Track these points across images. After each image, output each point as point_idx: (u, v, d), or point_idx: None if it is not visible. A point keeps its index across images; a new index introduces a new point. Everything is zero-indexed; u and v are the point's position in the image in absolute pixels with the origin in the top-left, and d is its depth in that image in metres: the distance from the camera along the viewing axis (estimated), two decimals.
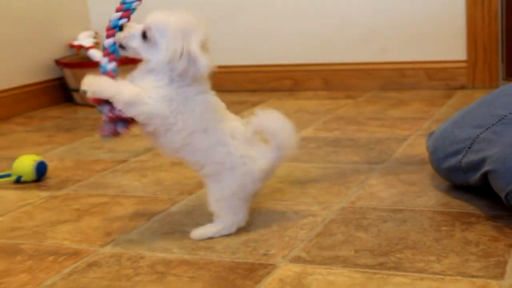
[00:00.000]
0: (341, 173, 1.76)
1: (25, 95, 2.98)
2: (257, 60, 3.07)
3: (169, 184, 1.77)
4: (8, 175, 1.90)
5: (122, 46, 1.38)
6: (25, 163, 1.87)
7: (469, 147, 1.48)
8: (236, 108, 2.71)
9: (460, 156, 1.49)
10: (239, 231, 1.40)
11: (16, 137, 2.52)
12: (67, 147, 2.28)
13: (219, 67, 3.10)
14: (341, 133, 2.19)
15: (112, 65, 1.42)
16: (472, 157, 1.46)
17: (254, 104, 2.75)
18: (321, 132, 2.23)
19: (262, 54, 3.06)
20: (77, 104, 3.09)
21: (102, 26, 3.29)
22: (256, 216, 1.48)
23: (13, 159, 1.93)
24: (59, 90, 3.14)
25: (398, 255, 1.23)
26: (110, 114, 1.38)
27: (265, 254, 1.28)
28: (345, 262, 1.22)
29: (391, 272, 1.17)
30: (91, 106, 2.98)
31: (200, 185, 1.73)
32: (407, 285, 1.12)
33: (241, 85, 3.09)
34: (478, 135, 1.47)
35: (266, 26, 3.05)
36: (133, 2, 1.42)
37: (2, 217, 1.62)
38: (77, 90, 3.04)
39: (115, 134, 1.40)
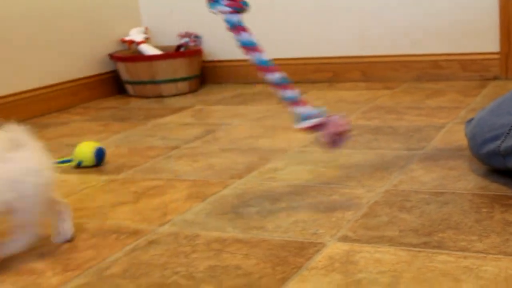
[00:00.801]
0: (383, 158, 1.75)
1: (82, 87, 3.01)
2: (298, 53, 3.07)
3: (219, 169, 1.78)
4: (70, 161, 1.92)
5: None
6: (86, 149, 1.89)
7: (507, 133, 1.46)
8: (277, 98, 2.71)
9: (498, 142, 1.48)
10: (288, 212, 1.40)
11: (74, 126, 2.54)
12: (122, 135, 2.30)
13: None
14: (380, 121, 2.18)
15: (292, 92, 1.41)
16: (510, 142, 1.44)
17: None
18: (361, 120, 2.22)
19: (303, 47, 3.05)
20: (129, 95, 3.12)
21: (152, 22, 3.33)
22: (304, 198, 1.49)
23: (73, 146, 1.95)
24: (112, 83, 3.16)
25: (441, 235, 1.23)
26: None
27: (314, 234, 1.28)
28: (391, 241, 1.22)
29: (435, 250, 1.16)
30: (143, 97, 3.02)
31: (249, 170, 1.74)
32: (451, 262, 1.11)
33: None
34: None
35: (307, 20, 3.04)
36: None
37: (66, 198, 1.64)
38: (130, 82, 3.07)
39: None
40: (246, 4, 1.38)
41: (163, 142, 2.14)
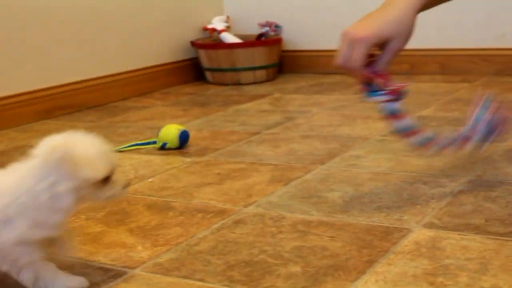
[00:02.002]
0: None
1: (163, 72, 3.05)
2: None
3: (301, 154, 1.78)
4: (154, 142, 1.96)
5: None
6: (170, 131, 1.92)
7: None
8: (357, 89, 2.70)
9: None
10: (372, 198, 1.40)
11: (156, 110, 2.58)
12: (203, 120, 2.32)
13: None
14: (460, 113, 2.15)
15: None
16: None
17: None
18: (440, 112, 2.19)
19: None
20: (208, 82, 3.14)
21: (234, 11, 3.34)
22: (387, 186, 1.48)
23: (155, 129, 1.99)
24: (193, 69, 3.20)
25: None
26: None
27: (399, 219, 1.28)
28: (477, 229, 1.20)
29: None
30: (222, 85, 3.04)
31: (331, 156, 1.74)
32: None
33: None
34: None
35: None
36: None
37: (152, 178, 1.67)
38: (209, 69, 3.10)
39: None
40: (406, 91, 1.32)
41: (244, 128, 2.15)
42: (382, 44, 1.28)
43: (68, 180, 1.01)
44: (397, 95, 1.29)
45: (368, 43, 1.26)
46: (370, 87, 1.30)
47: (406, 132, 1.31)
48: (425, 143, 1.32)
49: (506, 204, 1.32)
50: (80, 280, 1.08)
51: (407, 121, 1.31)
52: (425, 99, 2.41)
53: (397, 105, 1.30)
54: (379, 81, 1.28)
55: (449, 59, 2.92)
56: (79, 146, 1.02)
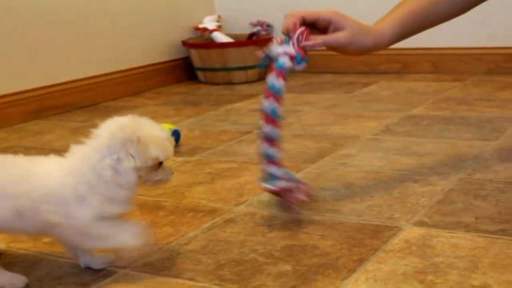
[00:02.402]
0: (455, 148, 1.73)
1: (154, 72, 3.05)
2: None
3: (292, 153, 1.78)
4: None
5: None
6: None
7: None
8: (348, 88, 2.71)
9: None
10: (362, 197, 1.40)
11: (148, 109, 2.57)
12: (194, 119, 2.32)
13: None
14: (451, 112, 2.15)
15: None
16: None
17: (365, 85, 2.73)
18: (431, 110, 2.20)
19: None
20: (200, 82, 3.14)
21: (225, 10, 3.34)
22: (378, 184, 1.48)
23: None
24: (184, 69, 3.19)
25: None
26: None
27: (389, 218, 1.28)
28: (467, 227, 1.20)
29: None
30: (213, 84, 3.04)
31: (322, 155, 1.74)
32: None
33: (353, 67, 3.07)
34: None
35: (377, 11, 3.01)
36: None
37: None
38: (201, 69, 3.09)
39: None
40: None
41: (235, 127, 2.15)
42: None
43: (131, 158, 1.04)
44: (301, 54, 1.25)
45: (307, 12, 1.29)
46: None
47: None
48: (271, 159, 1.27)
49: (496, 202, 1.32)
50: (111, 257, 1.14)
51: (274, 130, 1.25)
52: (416, 98, 2.42)
53: (278, 109, 1.24)
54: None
55: (441, 58, 2.92)
56: (145, 127, 1.07)
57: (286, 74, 1.25)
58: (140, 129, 1.06)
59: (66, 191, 1.03)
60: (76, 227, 1.04)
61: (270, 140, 1.26)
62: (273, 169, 1.27)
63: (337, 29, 1.30)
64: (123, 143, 1.04)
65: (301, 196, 1.27)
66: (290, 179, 1.27)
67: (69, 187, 1.03)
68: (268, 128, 1.25)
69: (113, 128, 1.07)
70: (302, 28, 1.27)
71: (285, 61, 1.25)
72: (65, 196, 1.03)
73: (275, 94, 1.24)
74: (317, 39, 1.28)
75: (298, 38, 1.26)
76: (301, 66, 1.27)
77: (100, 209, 1.04)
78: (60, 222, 1.03)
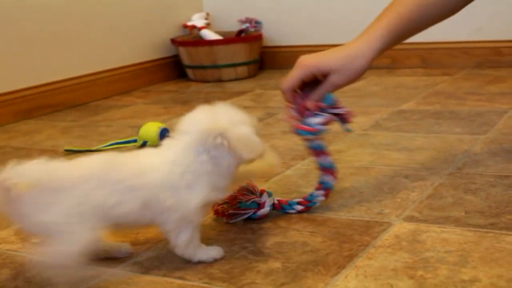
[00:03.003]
0: (445, 142, 1.73)
1: (144, 71, 3.04)
2: None
3: (282, 150, 1.78)
4: (134, 141, 1.95)
5: None
6: (151, 129, 1.91)
7: None
8: None
9: None
10: (352, 192, 1.40)
11: (137, 108, 2.57)
12: None
13: (322, 45, 3.09)
14: (441, 106, 2.15)
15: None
16: None
17: None
18: (421, 105, 2.20)
19: None
20: (189, 79, 3.13)
21: (213, 8, 3.33)
22: (368, 180, 1.48)
23: (136, 127, 1.97)
24: (173, 67, 3.19)
25: (508, 217, 1.21)
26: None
27: (379, 213, 1.28)
28: (457, 222, 1.20)
29: (503, 231, 1.15)
30: (203, 82, 3.03)
31: None
32: None
33: None
34: None
35: (367, 6, 3.01)
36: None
37: None
38: (190, 67, 3.09)
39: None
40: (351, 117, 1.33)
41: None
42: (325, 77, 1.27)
43: (226, 157, 1.09)
44: (345, 117, 1.30)
45: (305, 69, 1.27)
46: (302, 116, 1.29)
47: (325, 168, 1.30)
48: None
49: (486, 196, 1.32)
50: (219, 250, 1.15)
51: (328, 159, 1.30)
52: (406, 93, 2.42)
53: (322, 142, 1.29)
54: (308, 105, 1.27)
55: (430, 52, 2.92)
56: (231, 127, 1.09)
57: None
58: (226, 131, 1.08)
59: (177, 180, 1.08)
60: (185, 212, 1.09)
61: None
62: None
63: (327, 76, 1.28)
64: (214, 146, 1.08)
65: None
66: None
67: (179, 176, 1.08)
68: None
69: (200, 126, 1.10)
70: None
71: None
72: (178, 184, 1.08)
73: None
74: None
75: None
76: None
77: (206, 196, 1.09)
78: (174, 207, 1.08)
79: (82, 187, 1.05)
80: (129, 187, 1.07)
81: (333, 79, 1.27)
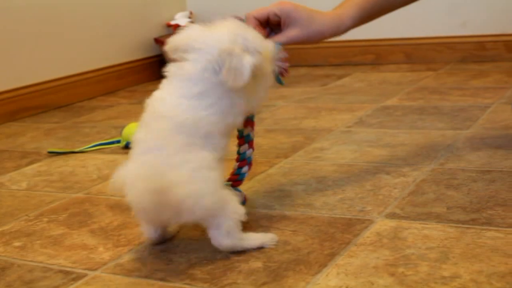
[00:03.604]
0: (428, 138, 1.73)
1: (128, 70, 3.03)
2: (342, 35, 3.04)
3: (265, 148, 1.77)
4: (118, 142, 1.94)
5: None
6: (134, 130, 1.89)
7: None
8: (323, 80, 2.71)
9: None
10: (334, 190, 1.40)
11: (121, 108, 2.56)
12: None
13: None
14: (425, 102, 2.16)
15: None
16: None
17: (339, 77, 2.73)
18: (405, 101, 2.20)
19: None
20: None
21: (197, 6, 3.33)
22: (350, 177, 1.48)
23: (121, 127, 1.97)
24: (158, 66, 3.17)
25: (489, 212, 1.21)
26: None
27: (361, 211, 1.28)
28: (439, 218, 1.20)
29: (484, 227, 1.15)
30: None
31: (295, 149, 1.74)
32: (500, 239, 1.10)
33: (327, 59, 3.07)
34: None
35: None
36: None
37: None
38: None
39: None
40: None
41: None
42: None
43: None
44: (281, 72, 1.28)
45: (273, 7, 1.29)
46: None
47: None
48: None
49: (468, 191, 1.32)
50: (271, 236, 1.16)
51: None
52: (390, 89, 2.42)
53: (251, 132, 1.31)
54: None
55: (414, 48, 2.93)
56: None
57: None
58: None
59: None
60: None
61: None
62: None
63: (288, 25, 1.29)
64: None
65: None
66: None
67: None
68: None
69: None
70: None
71: None
72: None
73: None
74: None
75: None
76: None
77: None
78: None
79: None
80: None
81: (289, 31, 1.28)
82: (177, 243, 1.21)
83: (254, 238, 1.14)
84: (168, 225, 1.19)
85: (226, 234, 1.10)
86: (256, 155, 1.68)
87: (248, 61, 1.07)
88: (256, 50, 1.10)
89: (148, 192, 1.03)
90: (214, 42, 1.10)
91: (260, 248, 1.14)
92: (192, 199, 1.04)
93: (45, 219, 1.40)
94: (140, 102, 2.61)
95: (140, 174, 1.06)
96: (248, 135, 1.31)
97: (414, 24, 2.92)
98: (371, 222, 1.22)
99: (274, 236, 1.16)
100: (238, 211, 1.10)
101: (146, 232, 1.19)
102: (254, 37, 1.13)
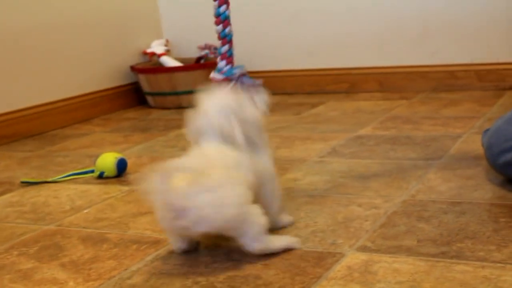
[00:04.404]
0: (400, 168, 1.74)
1: (103, 98, 3.02)
2: (316, 64, 3.06)
3: None
4: (92, 171, 1.93)
5: None
6: (107, 160, 1.90)
7: None
8: (297, 109, 2.71)
9: None
10: (307, 222, 1.40)
11: (96, 137, 2.55)
12: (143, 146, 2.30)
13: (282, 71, 3.10)
14: (397, 131, 2.17)
15: (225, 48, 1.52)
16: None
17: (313, 106, 2.74)
18: (378, 130, 2.21)
19: (320, 58, 3.05)
20: (150, 106, 3.12)
21: (173, 34, 3.33)
22: (322, 209, 1.48)
23: (95, 156, 1.96)
24: (133, 94, 3.17)
25: (459, 245, 1.21)
26: None
27: (332, 244, 1.27)
28: (409, 251, 1.21)
29: (454, 260, 1.15)
30: (164, 109, 3.02)
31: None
32: (469, 272, 1.10)
33: (301, 87, 3.08)
34: None
35: (323, 32, 3.03)
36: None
37: (88, 209, 1.64)
38: (150, 94, 3.08)
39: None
40: None
41: (184, 153, 2.13)
42: None
43: None
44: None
45: None
46: None
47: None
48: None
49: (438, 223, 1.33)
50: (289, 218, 1.38)
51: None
52: (364, 118, 2.43)
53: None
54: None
55: (387, 76, 2.95)
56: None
57: None
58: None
59: None
60: None
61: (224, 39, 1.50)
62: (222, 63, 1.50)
63: None
64: None
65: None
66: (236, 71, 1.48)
67: None
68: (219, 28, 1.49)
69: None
70: None
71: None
72: None
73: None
74: None
75: None
76: None
77: None
78: None
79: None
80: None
81: None
82: (148, 278, 1.20)
83: (280, 240, 1.25)
84: (191, 236, 1.25)
85: (255, 240, 1.19)
86: None
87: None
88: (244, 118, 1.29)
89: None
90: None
91: (287, 250, 1.24)
92: (212, 208, 1.15)
93: (15, 252, 1.39)
94: (114, 131, 2.62)
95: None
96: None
97: (387, 53, 2.94)
98: (342, 255, 1.22)
99: (299, 240, 1.27)
100: (259, 222, 1.20)
101: (173, 243, 1.28)
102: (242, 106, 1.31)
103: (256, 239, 1.20)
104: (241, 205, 1.17)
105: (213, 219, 1.15)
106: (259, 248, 1.21)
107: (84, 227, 1.51)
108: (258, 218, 1.20)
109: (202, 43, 3.14)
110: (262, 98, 1.40)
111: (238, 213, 1.16)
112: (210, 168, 1.18)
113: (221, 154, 1.25)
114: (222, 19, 1.48)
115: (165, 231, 1.30)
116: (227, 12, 1.48)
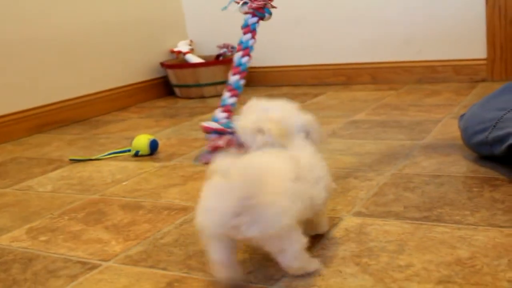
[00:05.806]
0: (390, 147, 1.74)
1: (137, 90, 3.03)
2: (318, 60, 3.06)
3: None
4: (128, 150, 1.94)
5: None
6: (142, 141, 1.91)
7: (494, 126, 1.45)
8: (302, 98, 2.71)
9: (486, 133, 1.46)
10: None
11: (132, 122, 2.56)
12: (172, 129, 2.31)
13: (289, 66, 3.08)
14: (387, 117, 2.16)
15: (232, 100, 1.25)
16: (497, 133, 1.42)
17: (315, 95, 2.73)
18: (371, 116, 2.21)
19: (322, 55, 3.04)
20: (177, 97, 3.13)
21: (196, 35, 3.33)
22: None
23: (132, 138, 1.97)
24: (163, 86, 3.18)
25: (439, 210, 1.22)
26: (214, 144, 1.16)
27: (333, 209, 1.28)
28: (397, 216, 1.21)
29: (434, 223, 1.16)
30: (188, 98, 3.03)
31: None
32: (447, 233, 1.10)
33: (305, 80, 3.08)
34: (502, 116, 1.44)
35: (324, 34, 3.03)
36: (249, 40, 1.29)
37: (126, 181, 1.65)
38: (177, 86, 3.08)
39: (208, 162, 1.08)
40: (268, 12, 1.30)
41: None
42: None
43: None
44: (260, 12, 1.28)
45: None
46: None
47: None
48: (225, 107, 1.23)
49: (421, 193, 1.33)
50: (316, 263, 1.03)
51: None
52: (358, 106, 2.43)
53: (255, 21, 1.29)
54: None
55: (378, 71, 2.94)
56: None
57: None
58: None
59: None
60: None
61: (233, 90, 1.27)
62: (220, 115, 1.22)
63: None
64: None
65: (221, 143, 1.15)
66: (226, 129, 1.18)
67: None
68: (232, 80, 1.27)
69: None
70: None
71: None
72: None
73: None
74: None
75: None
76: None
77: None
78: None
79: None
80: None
81: None
82: (177, 238, 1.21)
83: (315, 262, 1.02)
84: (232, 243, 0.97)
85: (294, 258, 0.97)
86: None
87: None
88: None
89: (239, 183, 0.91)
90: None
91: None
92: (275, 209, 0.92)
93: (66, 217, 1.40)
94: (148, 116, 2.62)
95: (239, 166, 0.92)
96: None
97: (378, 51, 2.93)
98: (340, 219, 1.22)
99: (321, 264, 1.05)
100: (301, 240, 0.97)
101: (213, 254, 0.98)
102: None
103: (296, 258, 0.97)
104: (294, 218, 0.95)
105: (270, 224, 0.91)
106: (297, 267, 0.99)
107: (123, 197, 1.52)
108: (301, 236, 0.97)
109: (221, 43, 3.14)
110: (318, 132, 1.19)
111: (291, 225, 0.94)
112: (285, 174, 0.97)
113: (305, 161, 1.06)
114: (244, 48, 1.30)
115: (205, 236, 0.99)
116: (250, 42, 1.30)
